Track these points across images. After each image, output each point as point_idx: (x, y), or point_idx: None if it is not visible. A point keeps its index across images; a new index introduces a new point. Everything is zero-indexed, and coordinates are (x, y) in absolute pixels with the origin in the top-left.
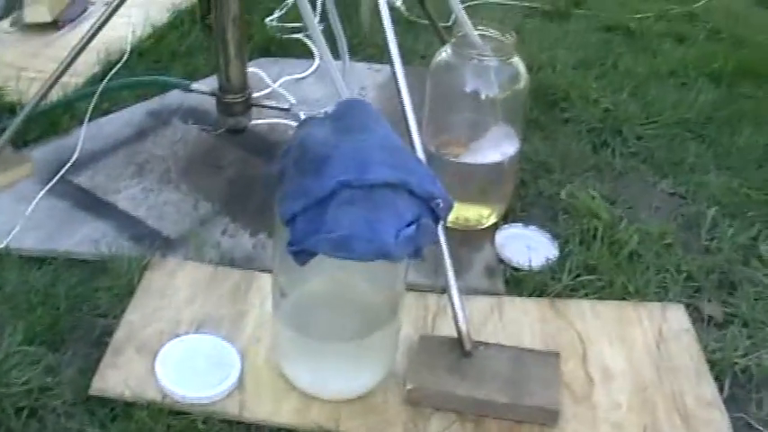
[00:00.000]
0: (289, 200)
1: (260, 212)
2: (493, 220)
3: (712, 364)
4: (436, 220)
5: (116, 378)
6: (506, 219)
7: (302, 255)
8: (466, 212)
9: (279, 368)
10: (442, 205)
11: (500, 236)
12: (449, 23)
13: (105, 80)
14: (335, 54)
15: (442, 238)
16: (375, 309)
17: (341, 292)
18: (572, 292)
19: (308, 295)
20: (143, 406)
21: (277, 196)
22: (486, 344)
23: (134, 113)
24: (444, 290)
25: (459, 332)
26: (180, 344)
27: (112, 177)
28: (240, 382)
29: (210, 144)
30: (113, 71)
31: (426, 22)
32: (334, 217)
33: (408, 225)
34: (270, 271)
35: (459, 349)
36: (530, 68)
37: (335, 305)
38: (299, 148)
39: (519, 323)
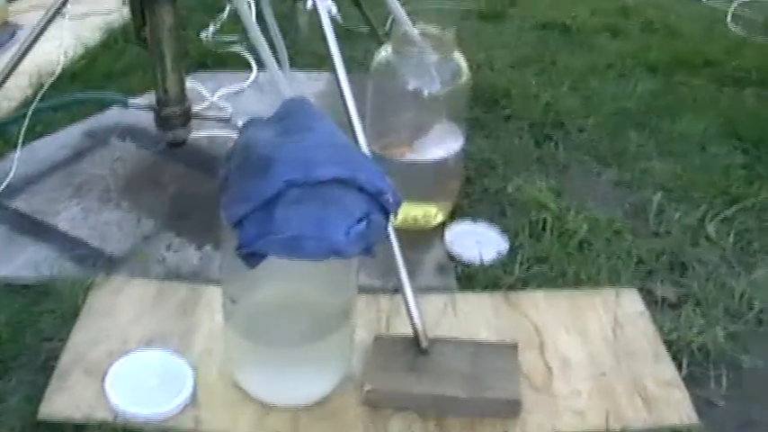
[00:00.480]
0: (235, 203)
1: (204, 226)
2: (441, 218)
3: (669, 345)
4: (386, 215)
5: (64, 401)
6: (454, 216)
7: (252, 257)
8: (414, 211)
9: (233, 379)
10: (391, 200)
11: (449, 233)
12: (387, 30)
13: (35, 101)
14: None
15: (393, 235)
16: (327, 312)
17: (292, 297)
18: (525, 284)
19: (259, 302)
20: (94, 427)
21: (222, 201)
22: (443, 340)
23: (69, 135)
24: (396, 290)
25: (414, 330)
26: (129, 361)
27: (50, 200)
28: (194, 397)
29: (150, 161)
30: (43, 91)
31: (364, 29)
32: (283, 217)
33: (358, 222)
34: (218, 283)
35: (416, 348)
36: (469, 68)
37: (287, 310)
38: (243, 151)
39: (474, 318)
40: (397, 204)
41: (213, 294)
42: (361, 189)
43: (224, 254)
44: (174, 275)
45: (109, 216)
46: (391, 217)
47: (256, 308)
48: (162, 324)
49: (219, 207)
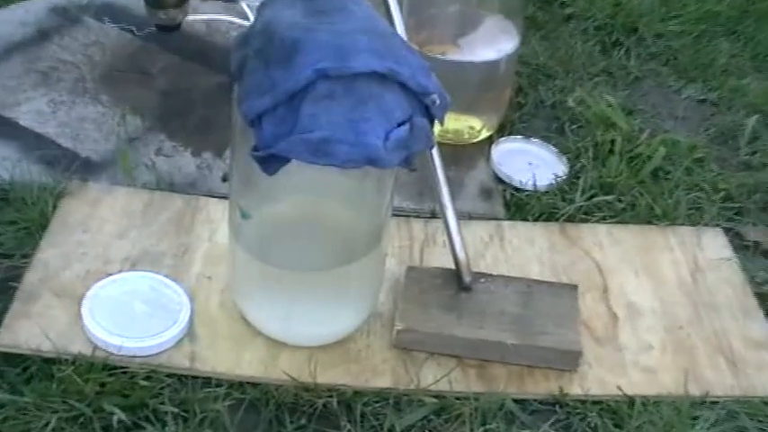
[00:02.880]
0: (253, 96)
1: (202, 128)
2: (487, 133)
3: (762, 299)
4: (431, 120)
5: (30, 330)
6: (503, 132)
7: (271, 162)
8: (455, 124)
9: (238, 309)
10: (438, 102)
11: (497, 152)
12: None
13: None
14: None
15: (435, 148)
16: (355, 234)
17: (315, 213)
18: (586, 215)
19: (276, 217)
20: (67, 362)
21: (236, 93)
22: (488, 275)
23: (32, 10)
24: (433, 214)
25: (456, 261)
26: (112, 285)
27: (8, 88)
28: (190, 329)
29: (135, 47)
30: None
31: None
32: (310, 114)
33: (399, 125)
34: (220, 196)
35: (456, 282)
36: None
37: (308, 229)
38: (263, 34)
39: (524, 252)
40: (445, 108)
41: (214, 208)
42: (403, 86)
43: (235, 158)
44: (166, 185)
45: (83, 111)
46: (437, 123)
47: (272, 224)
48: (152, 242)
49: (232, 100)
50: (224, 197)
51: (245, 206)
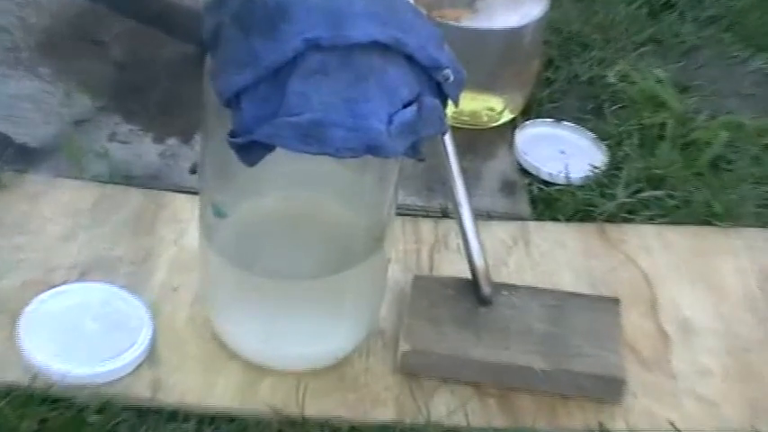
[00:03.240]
0: (229, 71)
1: (167, 108)
2: (510, 115)
3: None
4: (443, 100)
5: None
6: (529, 113)
7: (251, 150)
8: (472, 104)
9: (211, 327)
10: (451, 79)
11: (522, 137)
12: None
13: None
14: None
15: (449, 133)
16: (352, 236)
17: (304, 211)
18: (630, 214)
19: (257, 217)
20: (1, 393)
21: (208, 67)
22: (512, 286)
23: None
24: (444, 213)
25: (473, 269)
26: (56, 298)
27: None
28: (152, 351)
29: (82, 8)
30: None
31: None
32: (299, 92)
33: (405, 106)
34: (189, 191)
35: (474, 294)
36: None
37: (296, 231)
38: None
39: (555, 258)
40: (460, 85)
41: (181, 205)
42: (410, 59)
43: (208, 144)
44: (123, 178)
45: (18, 87)
46: (450, 104)
47: (253, 224)
48: (104, 245)
49: (203, 74)
50: (193, 192)
51: (219, 202)
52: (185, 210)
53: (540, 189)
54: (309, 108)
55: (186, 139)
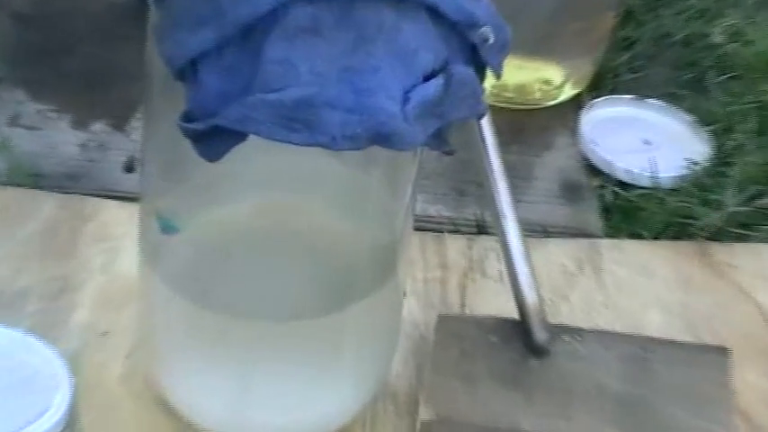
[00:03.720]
0: (183, 29)
1: (91, 81)
2: (571, 90)
3: None
4: (480, 70)
5: None
6: (599, 87)
7: (214, 139)
8: (520, 75)
9: (154, 387)
10: (492, 40)
11: (589, 121)
12: None
13: None
14: None
15: (487, 117)
16: (353, 259)
17: (286, 227)
18: (744, 228)
19: (222, 234)
20: None
21: (152, 23)
22: (577, 330)
23: None
24: (481, 227)
25: (521, 306)
26: None
27: None
28: (71, 419)
29: None
30: None
31: None
32: (281, 60)
33: (427, 78)
34: (123, 196)
35: (523, 342)
36: None
37: (275, 254)
38: None
39: (637, 290)
40: (504, 48)
41: (112, 216)
42: (434, 13)
43: (152, 132)
44: (29, 177)
45: None
46: (490, 74)
47: (215, 244)
48: (5, 272)
49: (147, 36)
50: (130, 198)
51: (168, 213)
52: (118, 223)
53: (616, 194)
54: (295, 81)
55: (119, 123)
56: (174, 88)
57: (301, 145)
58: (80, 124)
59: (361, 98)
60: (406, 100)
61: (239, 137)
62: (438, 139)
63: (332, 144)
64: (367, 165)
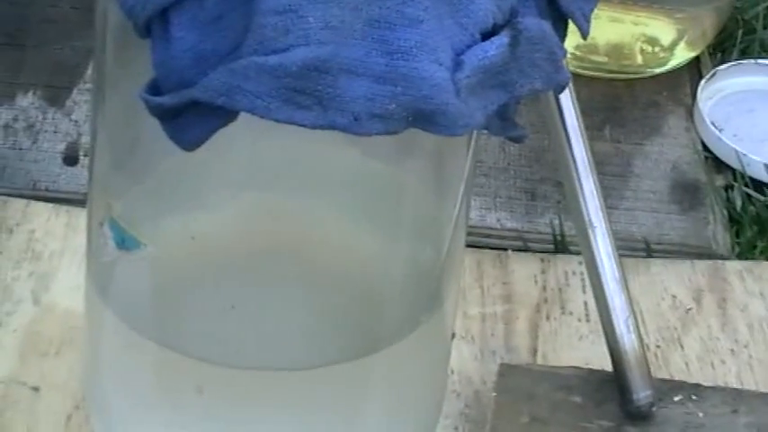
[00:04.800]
0: None
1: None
2: (687, 52)
3: None
4: (560, 24)
5: None
6: (725, 49)
7: (191, 119)
8: (612, 32)
9: None
10: None
11: (711, 96)
12: None
13: None
14: None
15: (570, 91)
16: (379, 289)
17: (288, 241)
18: None
19: (199, 249)
20: None
21: None
22: (694, 387)
23: None
24: (558, 243)
25: (616, 354)
26: None
27: None
28: None
29: None
30: None
31: None
32: (283, 9)
33: (487, 36)
34: (63, 198)
35: (619, 401)
36: None
37: (274, 278)
38: None
39: None
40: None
41: (45, 224)
42: None
43: (105, 110)
44: None
45: None
46: (574, 30)
47: (190, 264)
48: None
49: None
50: (71, 200)
51: (126, 221)
52: (54, 234)
53: (749, 198)
54: (302, 38)
55: (55, 96)
56: (136, 48)
57: (311, 127)
58: (3, 97)
59: (394, 62)
60: (457, 65)
61: (225, 116)
62: (502, 120)
63: (354, 126)
64: (402, 156)
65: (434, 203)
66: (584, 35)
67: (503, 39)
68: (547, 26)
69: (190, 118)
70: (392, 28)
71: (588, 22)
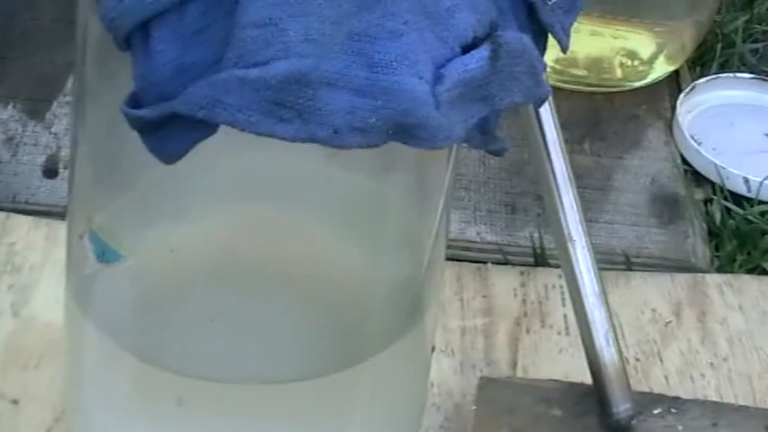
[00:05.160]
0: None
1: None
2: (666, 66)
3: None
4: (540, 38)
5: None
6: (705, 62)
7: (172, 131)
8: (592, 45)
9: None
10: None
11: (691, 109)
12: None
13: None
14: None
15: (549, 104)
16: (360, 302)
17: (270, 254)
18: None
19: (180, 263)
20: None
21: None
22: (674, 400)
23: None
24: (538, 256)
25: (596, 370)
26: None
27: None
28: None
29: None
30: None
31: None
32: (265, 22)
33: (467, 49)
34: (42, 211)
35: (599, 416)
36: None
37: (256, 292)
38: None
39: (758, 344)
40: (572, 8)
41: (25, 236)
42: None
43: (86, 123)
44: None
45: None
46: (554, 43)
47: (171, 277)
48: None
49: None
50: (51, 212)
51: (107, 234)
52: (33, 247)
53: (728, 211)
54: (283, 51)
55: (35, 108)
56: (117, 61)
57: (292, 140)
58: None
59: (375, 75)
60: (438, 78)
61: (206, 129)
62: (482, 134)
63: (334, 139)
64: (382, 169)
65: (415, 216)
66: (564, 49)
67: (483, 52)
68: (527, 39)
69: (170, 131)
70: (373, 41)
71: (568, 35)
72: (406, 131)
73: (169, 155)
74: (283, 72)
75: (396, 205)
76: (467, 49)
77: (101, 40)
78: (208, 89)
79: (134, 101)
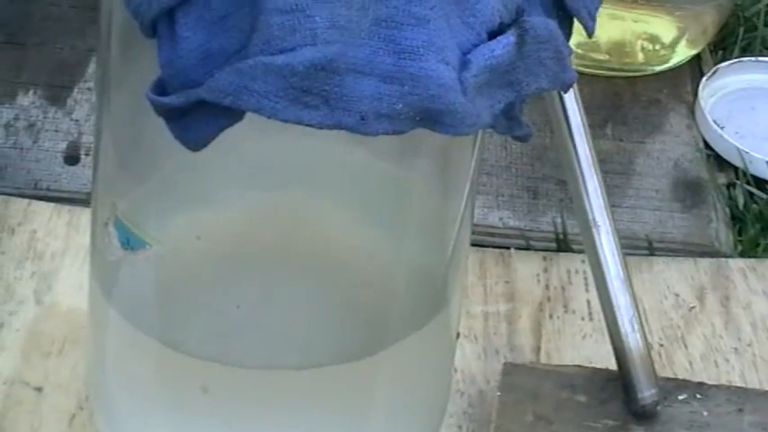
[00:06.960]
0: None
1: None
2: (688, 50)
3: None
4: (565, 23)
5: None
6: (728, 46)
7: (197, 118)
8: (614, 29)
9: None
10: None
11: (713, 93)
12: None
13: None
14: None
15: (574, 90)
16: (385, 291)
17: (293, 242)
18: None
19: (204, 250)
20: None
21: None
22: (698, 385)
23: None
24: (561, 242)
25: (621, 356)
26: None
27: None
28: None
29: None
30: None
31: None
32: (291, 9)
33: (494, 35)
34: (64, 197)
35: (624, 401)
36: None
37: (278, 278)
38: None
39: None
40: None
41: (47, 223)
42: None
43: (109, 110)
44: None
45: None
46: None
47: (195, 264)
48: None
49: None
50: (73, 199)
51: (131, 220)
52: (56, 234)
53: (752, 195)
54: (310, 37)
55: (57, 94)
56: (141, 47)
57: (318, 127)
58: (4, 97)
59: (402, 61)
60: (464, 64)
61: (232, 116)
62: (508, 119)
63: (360, 126)
64: (408, 155)
65: (440, 202)
66: (590, 34)
67: (509, 38)
68: (553, 25)
69: (196, 118)
70: (399, 27)
71: (594, 20)
72: (432, 118)
73: (195, 142)
74: (310, 59)
75: (421, 191)
76: (493, 34)
77: (125, 26)
78: (234, 76)
79: (159, 87)
